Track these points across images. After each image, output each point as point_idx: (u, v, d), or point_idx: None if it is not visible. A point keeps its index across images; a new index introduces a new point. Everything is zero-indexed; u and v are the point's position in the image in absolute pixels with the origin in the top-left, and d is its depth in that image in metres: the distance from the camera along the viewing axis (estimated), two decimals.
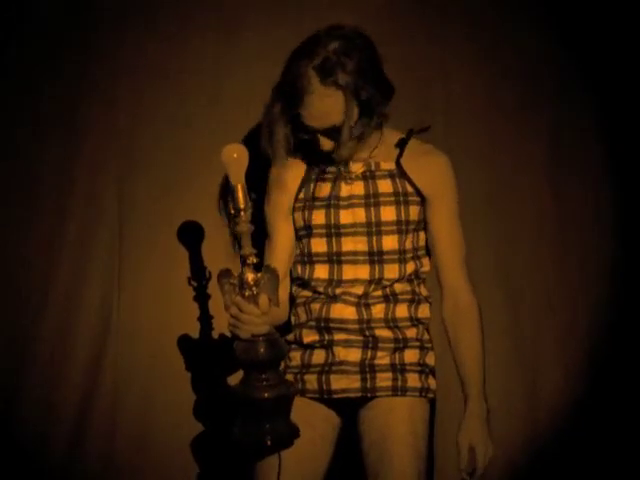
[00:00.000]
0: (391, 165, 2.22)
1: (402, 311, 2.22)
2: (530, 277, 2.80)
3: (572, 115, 2.84)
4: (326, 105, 2.07)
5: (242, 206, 1.93)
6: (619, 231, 2.81)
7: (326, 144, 2.14)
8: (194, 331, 2.66)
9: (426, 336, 2.27)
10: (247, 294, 1.96)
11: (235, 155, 1.95)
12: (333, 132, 2.11)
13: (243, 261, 1.95)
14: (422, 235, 2.26)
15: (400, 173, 2.22)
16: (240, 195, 1.93)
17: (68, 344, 2.68)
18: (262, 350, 1.96)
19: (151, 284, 2.71)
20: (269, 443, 1.97)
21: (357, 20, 2.65)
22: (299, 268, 2.26)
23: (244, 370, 2.00)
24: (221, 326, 2.58)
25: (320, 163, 2.22)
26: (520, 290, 2.80)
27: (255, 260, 1.96)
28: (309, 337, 2.23)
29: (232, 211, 1.94)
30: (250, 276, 1.96)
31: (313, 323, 2.22)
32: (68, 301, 2.68)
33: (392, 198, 2.19)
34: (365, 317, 2.19)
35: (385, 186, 2.20)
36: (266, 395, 1.95)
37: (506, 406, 2.71)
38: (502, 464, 2.67)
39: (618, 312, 2.79)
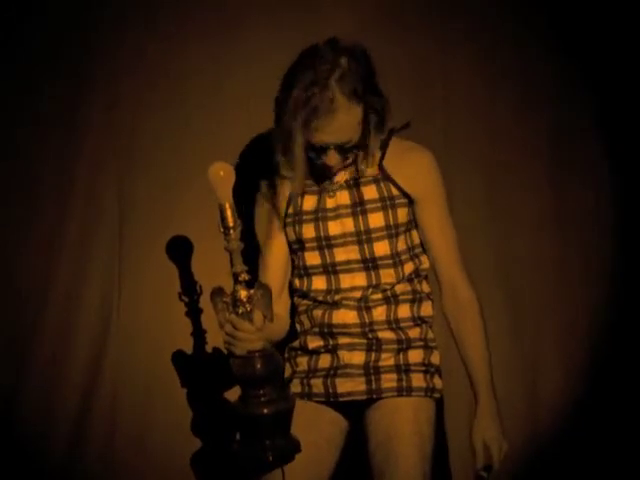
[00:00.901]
0: (374, 170, 2.20)
1: (404, 311, 2.21)
2: (530, 277, 2.80)
3: (572, 115, 2.83)
4: (349, 119, 2.05)
5: (231, 224, 1.92)
6: (619, 231, 2.81)
7: (333, 159, 2.10)
8: (194, 331, 2.66)
9: (430, 335, 2.26)
10: (241, 311, 1.96)
11: (222, 173, 1.93)
12: (343, 147, 2.09)
13: (235, 279, 1.95)
14: (415, 233, 2.25)
15: (384, 177, 2.20)
16: (229, 213, 1.93)
17: (68, 344, 2.68)
18: (258, 366, 1.95)
19: (151, 284, 2.71)
20: (270, 459, 1.96)
21: (357, 20, 2.67)
22: (297, 281, 2.26)
23: (241, 387, 1.99)
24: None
25: (323, 179, 2.20)
26: (520, 290, 2.80)
27: (247, 277, 1.95)
28: (314, 343, 2.23)
29: (221, 229, 1.93)
30: (243, 293, 1.95)
31: (317, 329, 2.22)
32: (68, 301, 2.68)
33: (379, 204, 2.18)
34: (367, 320, 2.19)
35: (370, 192, 2.19)
36: (265, 411, 1.95)
37: (506, 406, 2.70)
38: (502, 464, 2.67)
39: (618, 312, 2.78)
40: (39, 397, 2.66)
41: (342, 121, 2.04)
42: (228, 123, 2.70)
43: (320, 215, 2.20)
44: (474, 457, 2.16)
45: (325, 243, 2.19)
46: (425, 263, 2.26)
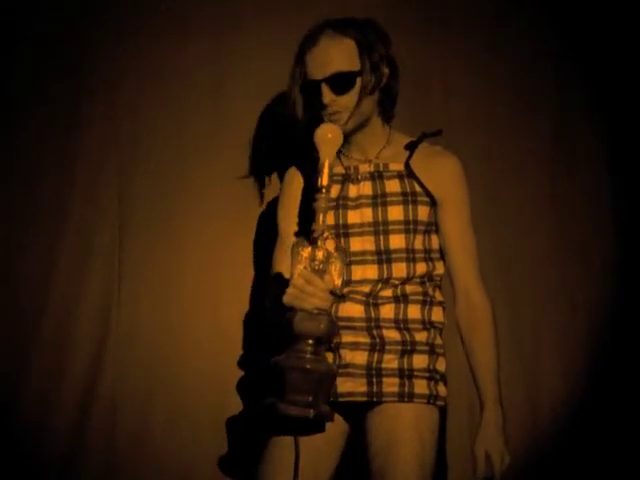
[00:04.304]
0: (400, 166, 2.21)
1: (414, 312, 2.19)
2: (530, 276, 2.80)
3: (572, 116, 2.84)
4: (333, 48, 2.11)
5: (325, 184, 2.00)
6: (619, 230, 2.81)
7: (327, 96, 2.12)
8: (193, 330, 2.67)
9: (438, 341, 2.22)
10: (317, 268, 1.99)
11: (330, 135, 2.03)
12: (334, 82, 2.11)
13: (317, 236, 1.99)
14: (435, 238, 2.24)
15: (409, 174, 2.21)
16: (325, 172, 2.00)
17: (68, 344, 2.68)
18: (322, 325, 1.98)
19: (151, 284, 2.71)
20: (311, 417, 1.96)
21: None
22: None
23: (294, 341, 1.99)
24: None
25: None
26: (520, 289, 2.79)
27: (329, 236, 2.01)
28: None
29: (317, 186, 2.01)
30: (322, 250, 2.00)
31: None
32: (68, 301, 2.68)
33: (400, 198, 2.19)
34: (373, 316, 2.16)
35: (393, 186, 2.19)
36: (316, 367, 1.97)
37: (506, 406, 2.70)
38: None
39: (618, 312, 2.78)
40: (39, 397, 2.65)
41: (328, 49, 2.11)
42: (228, 123, 2.71)
43: (341, 203, 2.20)
44: (475, 466, 2.14)
45: (342, 231, 2.19)
46: (439, 269, 2.24)
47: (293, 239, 2.15)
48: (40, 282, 2.67)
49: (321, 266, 2.00)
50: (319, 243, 1.99)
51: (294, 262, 2.01)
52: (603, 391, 2.75)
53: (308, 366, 1.96)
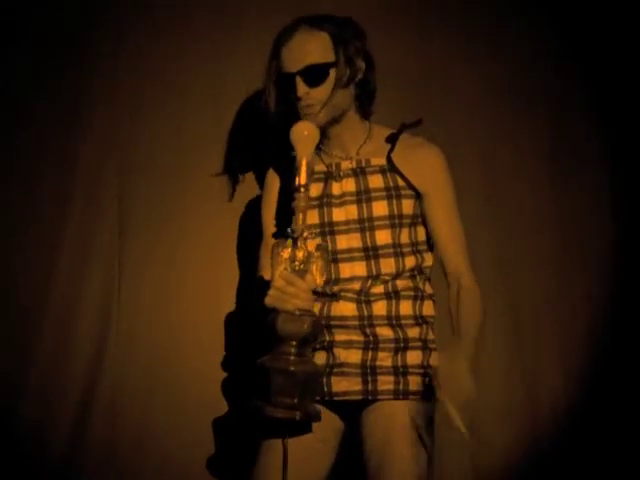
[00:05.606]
0: (382, 161, 2.21)
1: (406, 308, 2.19)
2: (530, 276, 2.80)
3: (572, 115, 2.83)
4: (308, 41, 2.11)
5: (303, 182, 1.99)
6: (619, 230, 2.81)
7: (301, 88, 2.11)
8: (193, 330, 2.66)
9: (430, 336, 2.22)
10: (297, 268, 1.99)
11: (306, 133, 2.02)
12: (308, 73, 2.11)
13: (296, 236, 1.98)
14: (421, 230, 2.24)
15: (391, 168, 2.20)
16: (303, 171, 1.99)
17: (68, 344, 2.68)
18: (306, 326, 1.98)
19: (151, 284, 2.71)
20: (297, 418, 1.96)
21: (356, 20, 2.67)
22: None
23: (278, 343, 1.99)
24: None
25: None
26: (520, 289, 2.79)
27: (309, 236, 2.00)
28: None
29: (295, 185, 1.99)
30: (301, 251, 1.99)
31: None
32: (68, 301, 2.68)
33: (383, 193, 2.19)
34: (366, 314, 2.17)
35: (376, 181, 2.19)
36: (301, 369, 1.97)
37: (506, 407, 2.71)
38: (502, 464, 2.67)
39: (618, 312, 2.78)
40: (39, 397, 2.65)
41: (303, 43, 2.11)
42: (227, 123, 2.71)
43: (325, 201, 2.20)
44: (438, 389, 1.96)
45: (328, 229, 2.19)
46: (428, 261, 2.25)
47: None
48: (40, 282, 2.67)
49: (302, 266, 1.99)
50: (299, 243, 1.99)
51: (274, 263, 2.01)
52: (603, 391, 2.75)
53: (292, 368, 1.96)
